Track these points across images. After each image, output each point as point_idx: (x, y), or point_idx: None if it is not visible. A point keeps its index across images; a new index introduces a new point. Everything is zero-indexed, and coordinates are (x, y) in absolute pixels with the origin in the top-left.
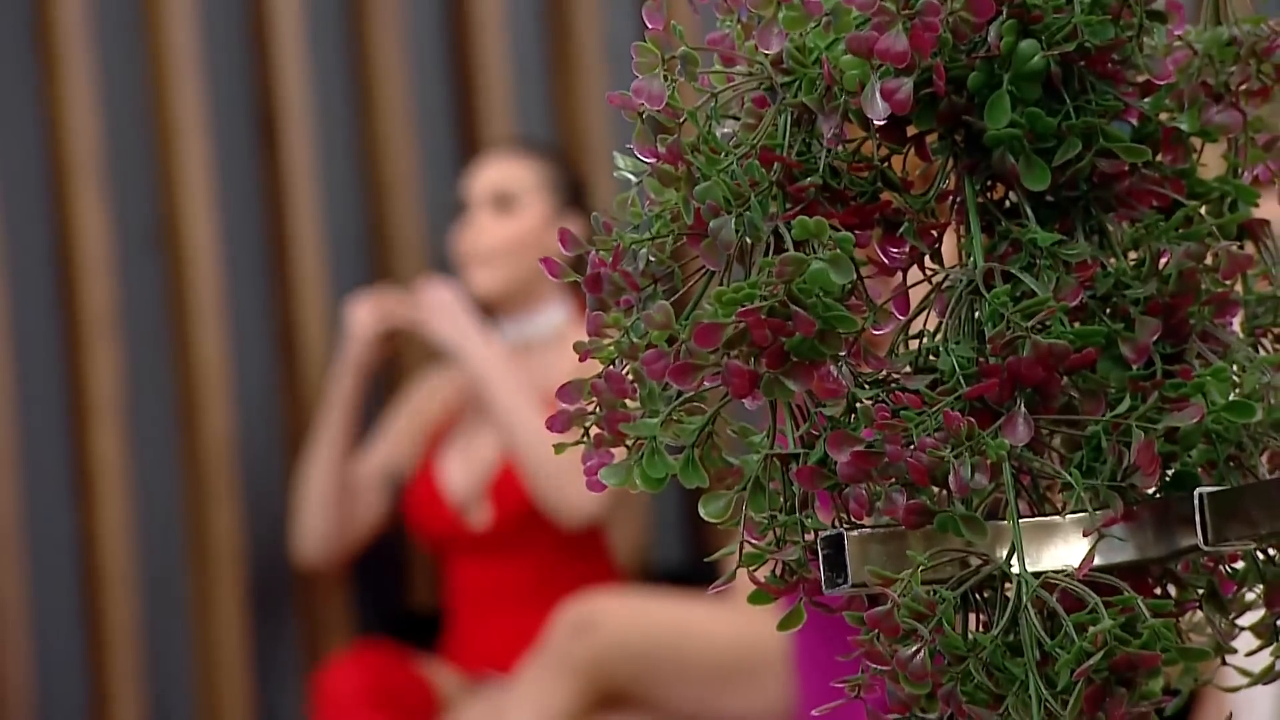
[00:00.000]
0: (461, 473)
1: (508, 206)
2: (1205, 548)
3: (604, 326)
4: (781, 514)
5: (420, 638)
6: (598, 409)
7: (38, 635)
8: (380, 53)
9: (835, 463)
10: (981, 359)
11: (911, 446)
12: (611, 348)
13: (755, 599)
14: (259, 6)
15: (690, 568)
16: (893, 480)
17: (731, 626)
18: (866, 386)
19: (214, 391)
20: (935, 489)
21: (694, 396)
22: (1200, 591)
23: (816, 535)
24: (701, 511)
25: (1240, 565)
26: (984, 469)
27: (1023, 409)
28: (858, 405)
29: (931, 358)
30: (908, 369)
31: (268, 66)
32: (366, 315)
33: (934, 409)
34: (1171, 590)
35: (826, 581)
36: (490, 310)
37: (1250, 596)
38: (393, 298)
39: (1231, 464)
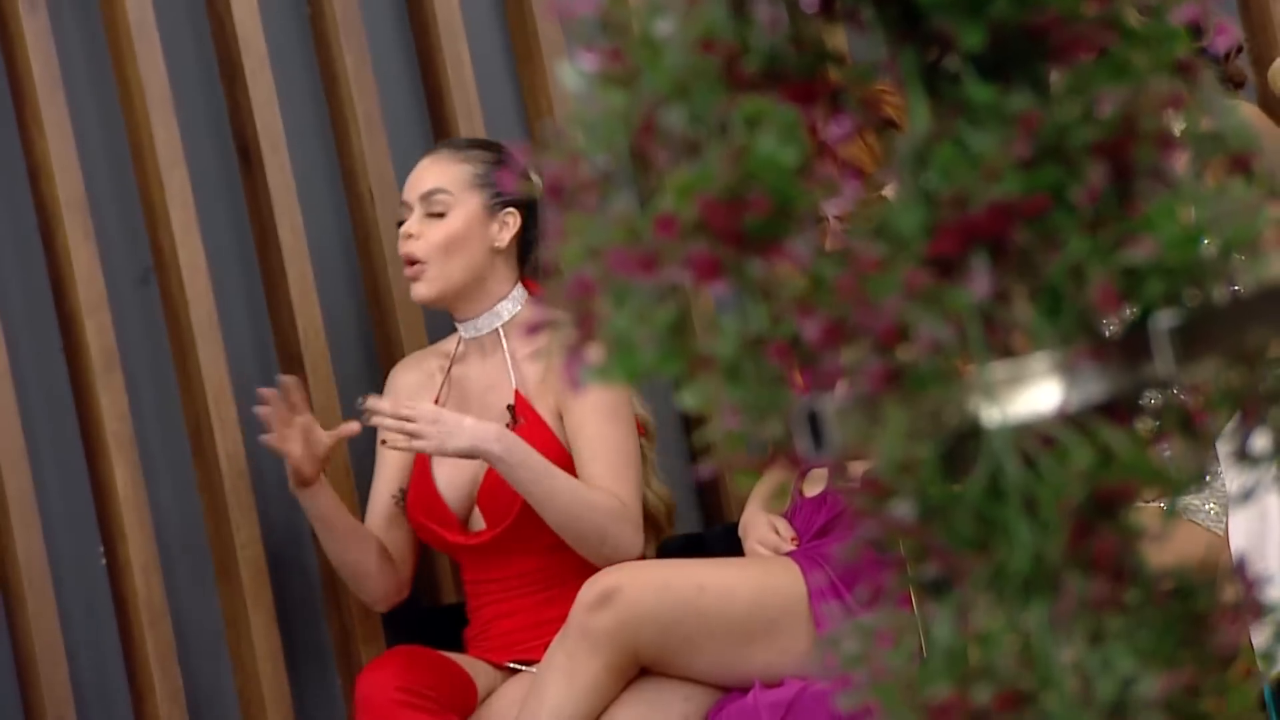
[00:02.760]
0: (451, 476)
1: (438, 210)
2: (1169, 375)
3: (567, 232)
4: (759, 393)
5: (450, 634)
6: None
7: (76, 671)
8: (346, 70)
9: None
10: (937, 219)
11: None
12: (576, 251)
13: (742, 478)
14: (226, 40)
15: (701, 538)
16: (863, 346)
17: (749, 584)
18: (830, 262)
19: (221, 415)
20: (905, 350)
21: (663, 290)
22: (1172, 423)
23: (794, 409)
24: (681, 401)
25: (1210, 394)
26: (949, 322)
27: (981, 262)
28: (822, 278)
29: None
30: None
31: (240, 97)
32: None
33: (895, 271)
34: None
35: (807, 451)
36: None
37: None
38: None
39: (1191, 296)
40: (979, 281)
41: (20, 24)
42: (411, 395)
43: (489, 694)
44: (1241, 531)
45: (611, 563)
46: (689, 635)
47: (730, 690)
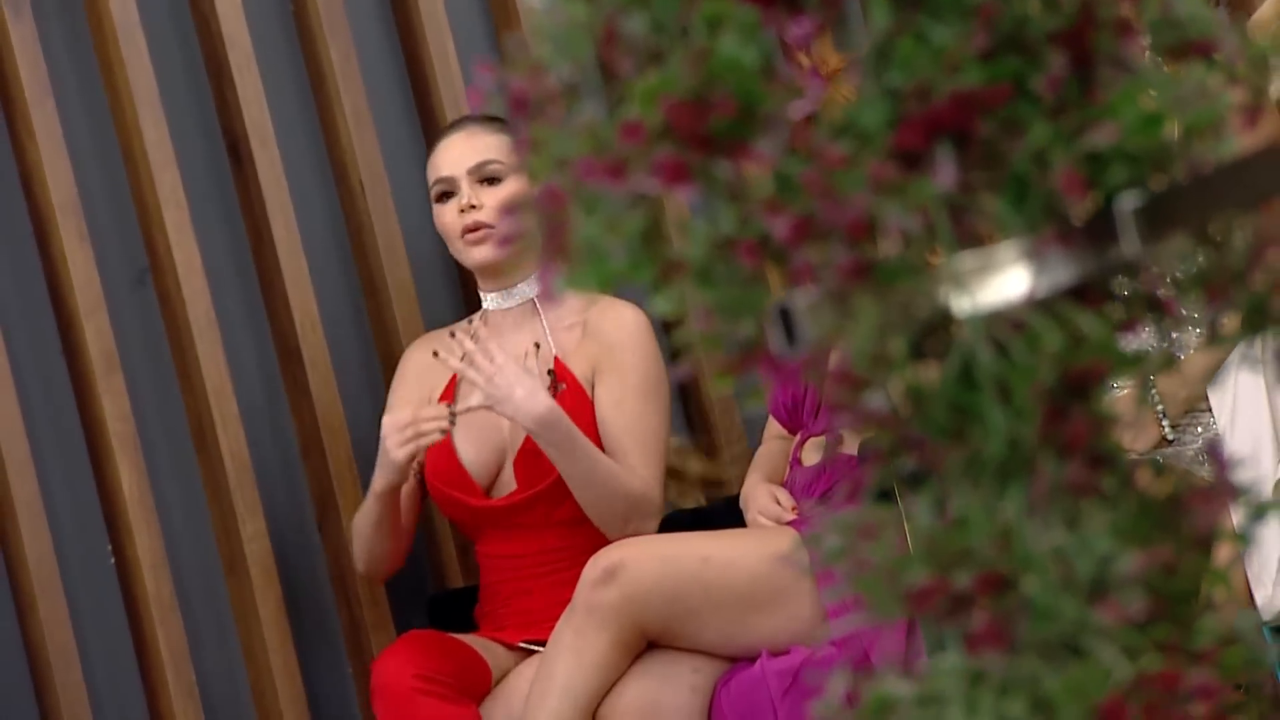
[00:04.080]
0: (476, 446)
1: (494, 178)
2: (1135, 257)
3: (534, 143)
4: (731, 293)
5: (458, 618)
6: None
7: (89, 670)
8: (332, 64)
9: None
10: (900, 112)
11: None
12: (544, 162)
13: (719, 380)
14: (211, 39)
15: (704, 511)
16: (832, 241)
17: (751, 555)
18: (795, 160)
19: (222, 412)
20: (873, 243)
21: (632, 197)
22: (1140, 306)
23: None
24: (655, 307)
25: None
26: (917, 214)
27: (945, 153)
28: (789, 176)
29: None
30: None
31: (228, 95)
32: (399, 441)
33: (861, 166)
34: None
35: (782, 347)
36: (490, 275)
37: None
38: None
39: (1155, 180)
40: (944, 172)
41: (6, 30)
42: (423, 374)
43: (502, 676)
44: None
45: (630, 531)
46: (694, 607)
47: (737, 660)
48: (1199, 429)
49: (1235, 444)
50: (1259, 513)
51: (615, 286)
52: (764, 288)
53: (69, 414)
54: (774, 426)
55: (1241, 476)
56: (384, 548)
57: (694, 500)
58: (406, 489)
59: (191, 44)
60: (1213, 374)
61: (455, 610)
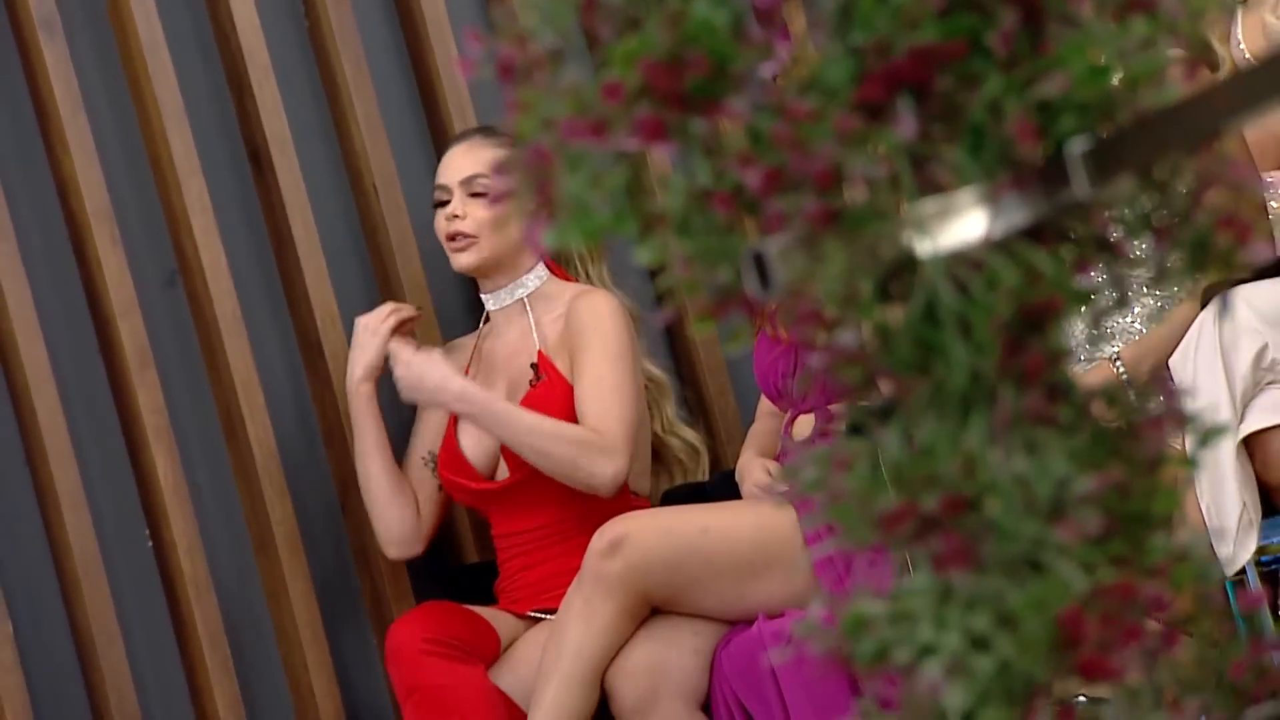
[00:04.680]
0: (474, 435)
1: (480, 189)
2: (1086, 197)
3: (521, 106)
4: (708, 242)
5: (473, 590)
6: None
7: (131, 647)
8: (345, 76)
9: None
10: (863, 68)
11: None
12: (531, 123)
13: (699, 324)
14: (231, 54)
15: (703, 486)
16: (801, 190)
17: (747, 525)
18: (766, 114)
19: (250, 403)
20: (840, 191)
21: (614, 154)
22: (1092, 246)
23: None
24: (637, 258)
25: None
26: (880, 163)
27: (906, 105)
28: (760, 131)
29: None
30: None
31: (248, 106)
32: (360, 368)
33: (827, 119)
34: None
35: (756, 291)
36: (480, 278)
37: (1141, 250)
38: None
39: (1102, 128)
40: (905, 123)
41: (41, 51)
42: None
43: (511, 643)
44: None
45: (592, 489)
46: (695, 575)
47: (736, 624)
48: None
49: (1196, 377)
50: (1207, 438)
51: (599, 239)
52: (739, 236)
53: (107, 408)
54: (766, 404)
55: (1189, 406)
56: (397, 506)
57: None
58: (430, 486)
59: (213, 59)
60: (1174, 345)
61: (471, 583)
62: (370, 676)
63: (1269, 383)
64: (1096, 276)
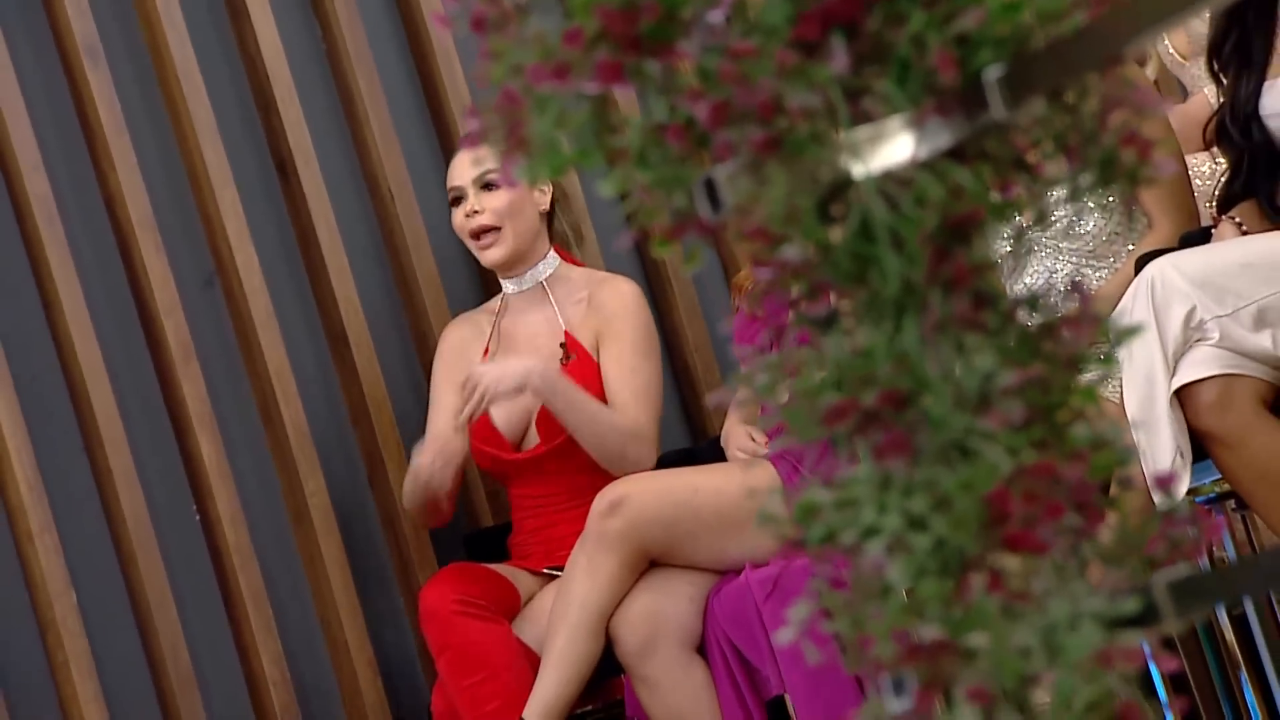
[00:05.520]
0: (505, 413)
1: (494, 185)
2: (1002, 118)
3: (493, 54)
4: (664, 171)
5: (489, 551)
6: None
7: (183, 611)
8: (361, 92)
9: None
10: (799, 8)
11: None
12: (502, 69)
13: (660, 246)
14: (258, 76)
15: (692, 451)
16: (746, 121)
17: (734, 484)
18: (712, 54)
19: (283, 389)
20: (781, 121)
21: (577, 95)
22: (1009, 164)
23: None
24: (602, 189)
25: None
26: (817, 94)
27: (839, 42)
28: (708, 69)
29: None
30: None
31: (274, 122)
32: (428, 464)
33: (768, 56)
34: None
35: (708, 213)
36: (500, 270)
37: (1055, 169)
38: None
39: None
40: (838, 58)
41: (86, 77)
42: (461, 349)
43: (529, 598)
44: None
45: (625, 471)
46: (688, 530)
47: (726, 573)
48: (1100, 358)
49: (1132, 370)
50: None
51: (566, 172)
52: (692, 165)
53: (154, 397)
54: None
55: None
56: (436, 484)
57: None
58: (459, 457)
59: (241, 81)
60: (1112, 309)
61: (487, 544)
62: (399, 632)
63: (1198, 340)
64: (1015, 192)
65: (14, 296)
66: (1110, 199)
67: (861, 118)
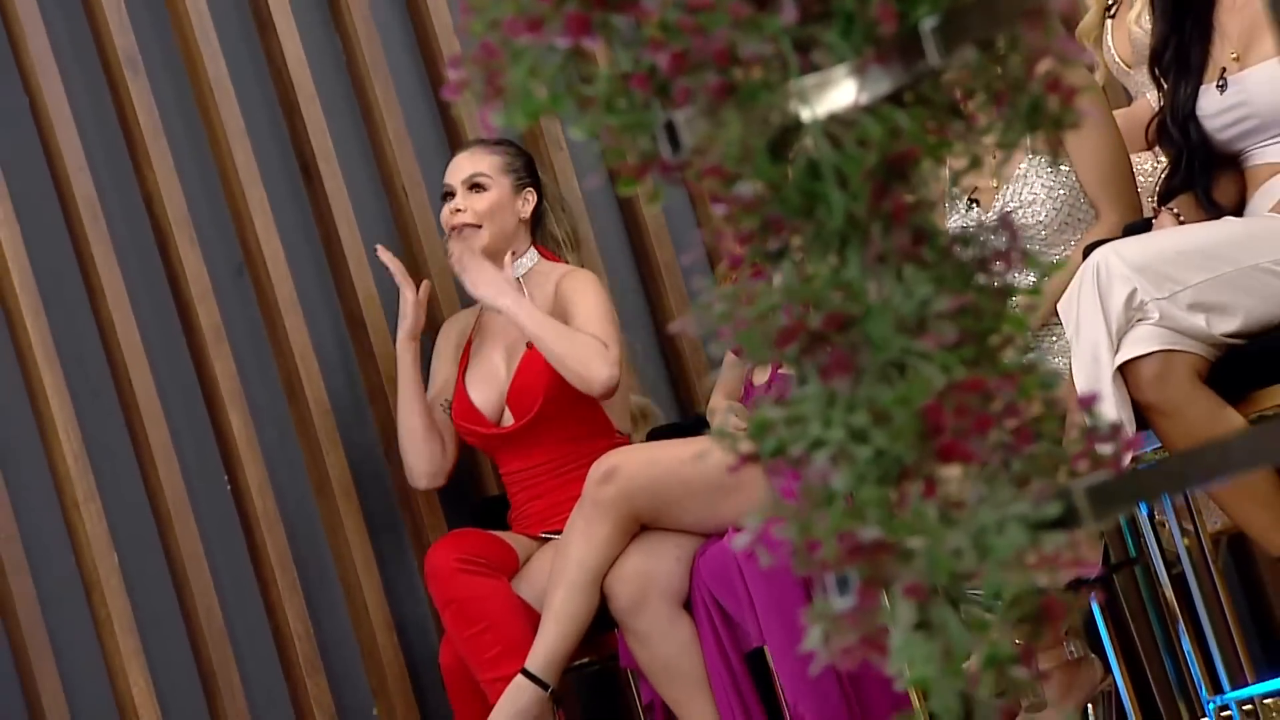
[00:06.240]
0: (482, 390)
1: (479, 188)
2: (937, 65)
3: (473, 10)
4: (629, 116)
5: (494, 518)
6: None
7: (215, 571)
8: (378, 99)
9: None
10: None
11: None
12: (480, 24)
13: (624, 185)
14: (284, 84)
15: (680, 425)
16: (703, 69)
17: (717, 455)
18: (672, 8)
19: (307, 370)
20: (735, 69)
21: (549, 47)
22: (944, 109)
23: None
24: (572, 132)
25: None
26: (767, 42)
27: None
28: (668, 21)
29: None
30: None
31: (299, 126)
32: (412, 299)
33: (722, 8)
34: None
35: (669, 154)
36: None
37: (986, 118)
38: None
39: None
40: (787, 10)
41: (127, 86)
42: (454, 345)
43: (527, 559)
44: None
45: (589, 386)
46: (676, 497)
47: (710, 536)
48: (1054, 338)
49: (1080, 348)
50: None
51: (539, 118)
52: (654, 110)
53: (189, 376)
54: (730, 356)
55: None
56: (411, 423)
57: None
58: (450, 428)
59: (268, 89)
60: (1061, 291)
61: (492, 512)
62: (413, 592)
63: (1139, 320)
64: (950, 135)
65: (61, 285)
66: (1062, 191)
67: (808, 65)
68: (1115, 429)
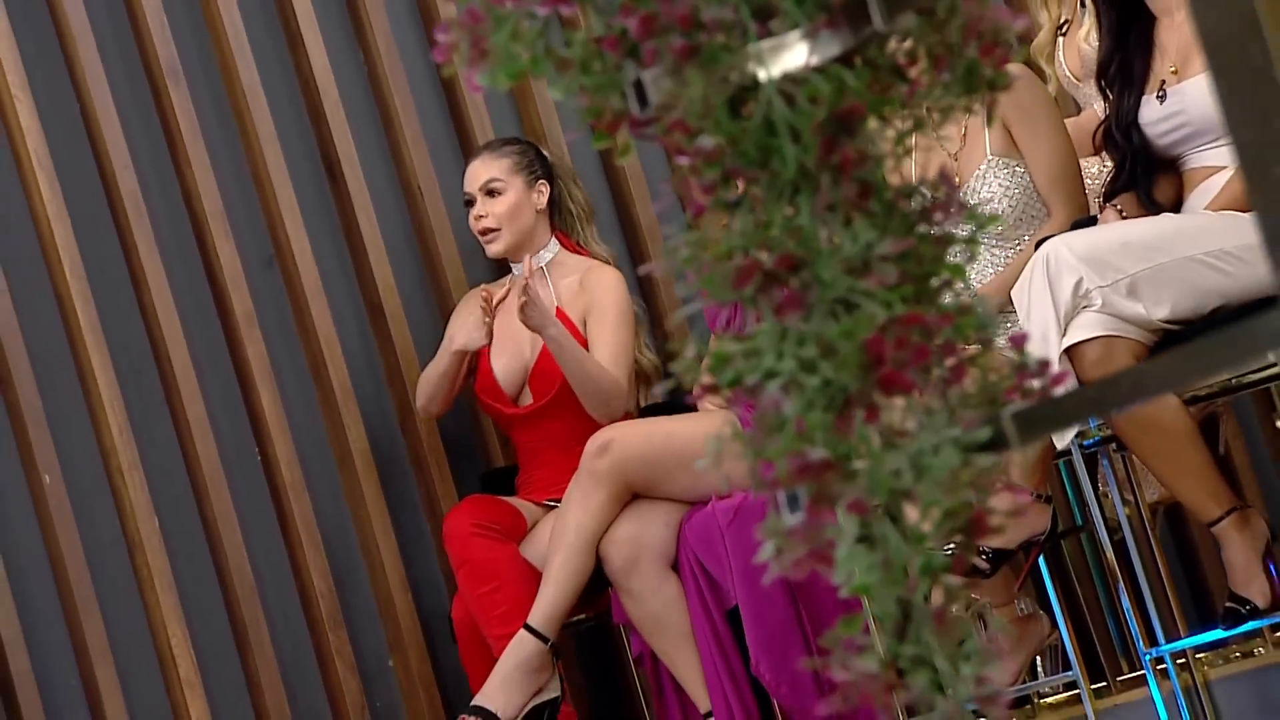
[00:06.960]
0: (505, 362)
1: (495, 193)
2: (882, 29)
3: None
4: (602, 77)
5: (502, 486)
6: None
7: (248, 538)
8: (397, 106)
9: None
10: None
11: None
12: None
13: (597, 140)
14: (311, 92)
15: (669, 402)
16: (669, 32)
17: (704, 429)
18: None
19: (331, 354)
20: (698, 32)
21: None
22: (889, 71)
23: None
24: (551, 93)
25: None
26: (727, 8)
27: None
28: None
29: None
30: None
31: (324, 130)
32: (465, 333)
33: None
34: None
35: (637, 111)
36: (505, 260)
37: (927, 80)
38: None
39: None
40: None
41: (169, 94)
42: (471, 320)
43: (534, 524)
44: None
45: (608, 418)
46: (665, 468)
47: (696, 503)
48: (1008, 325)
49: (1030, 329)
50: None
51: (520, 80)
52: (625, 70)
53: (224, 357)
54: (715, 340)
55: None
56: (441, 392)
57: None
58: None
59: (297, 96)
60: (1014, 281)
61: (500, 481)
62: (426, 554)
63: (1084, 307)
64: (892, 94)
65: (107, 273)
66: (1016, 191)
67: (765, 31)
68: (1043, 364)
